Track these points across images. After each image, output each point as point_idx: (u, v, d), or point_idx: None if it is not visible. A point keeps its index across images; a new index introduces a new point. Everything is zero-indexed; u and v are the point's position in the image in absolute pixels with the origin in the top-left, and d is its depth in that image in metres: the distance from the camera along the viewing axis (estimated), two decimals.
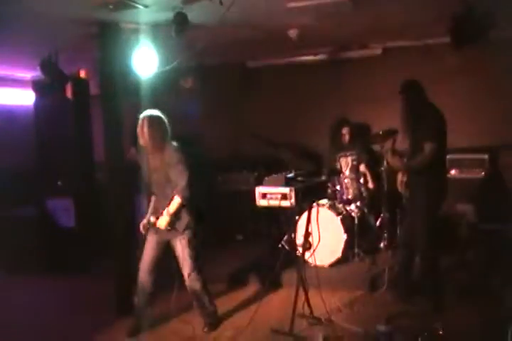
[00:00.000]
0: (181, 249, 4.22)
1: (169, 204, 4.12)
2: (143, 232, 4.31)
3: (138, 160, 5.89)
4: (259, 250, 6.18)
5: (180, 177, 4.09)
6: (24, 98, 7.76)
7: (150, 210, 4.38)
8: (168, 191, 4.17)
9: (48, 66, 5.65)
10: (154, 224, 4.19)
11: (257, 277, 5.47)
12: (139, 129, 4.14)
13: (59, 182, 6.62)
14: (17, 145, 7.46)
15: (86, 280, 5.77)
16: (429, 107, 4.55)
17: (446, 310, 4.35)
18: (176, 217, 4.16)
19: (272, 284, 5.17)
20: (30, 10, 4.18)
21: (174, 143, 4.22)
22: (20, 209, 6.86)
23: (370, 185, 6.10)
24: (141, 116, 4.16)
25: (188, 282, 4.27)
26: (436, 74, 6.10)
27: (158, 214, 4.22)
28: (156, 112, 4.18)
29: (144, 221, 4.31)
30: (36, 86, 6.78)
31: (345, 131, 6.41)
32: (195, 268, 4.24)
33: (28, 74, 7.45)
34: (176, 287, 4.25)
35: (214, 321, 4.43)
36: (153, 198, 4.41)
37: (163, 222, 4.13)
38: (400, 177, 4.88)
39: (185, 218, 4.20)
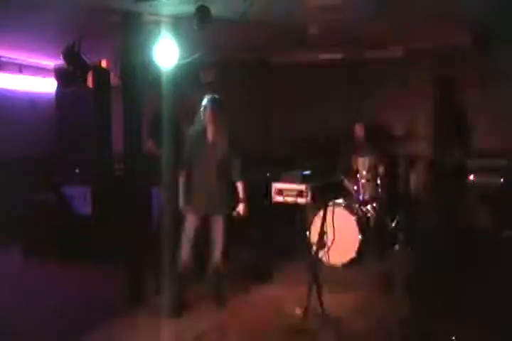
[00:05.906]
0: (218, 227, 4.46)
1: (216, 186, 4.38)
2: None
3: (156, 153, 5.90)
4: (271, 247, 6.14)
5: (237, 165, 4.49)
6: (46, 86, 7.83)
7: (185, 190, 4.46)
8: (218, 174, 4.41)
9: (71, 55, 5.66)
10: (238, 214, 4.48)
11: (269, 274, 5.47)
12: (207, 111, 4.33)
13: (76, 170, 6.66)
14: (38, 133, 7.53)
15: (99, 268, 5.77)
16: (456, 110, 4.48)
17: (459, 317, 4.29)
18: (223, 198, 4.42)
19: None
20: None
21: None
22: (39, 194, 6.92)
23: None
24: (208, 98, 4.35)
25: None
26: (457, 77, 5.97)
27: (201, 192, 4.38)
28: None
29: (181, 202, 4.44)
30: (58, 74, 6.82)
31: (357, 128, 6.32)
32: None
33: (51, 63, 7.50)
34: None
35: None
36: (184, 176, 4.47)
37: (245, 209, 4.43)
38: (414, 177, 4.79)
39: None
